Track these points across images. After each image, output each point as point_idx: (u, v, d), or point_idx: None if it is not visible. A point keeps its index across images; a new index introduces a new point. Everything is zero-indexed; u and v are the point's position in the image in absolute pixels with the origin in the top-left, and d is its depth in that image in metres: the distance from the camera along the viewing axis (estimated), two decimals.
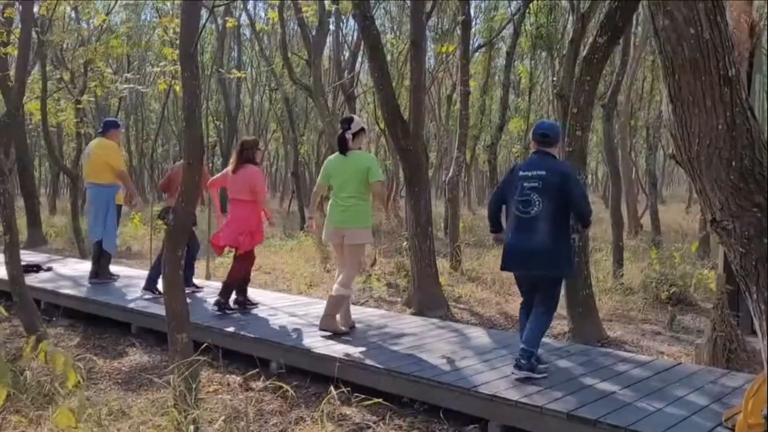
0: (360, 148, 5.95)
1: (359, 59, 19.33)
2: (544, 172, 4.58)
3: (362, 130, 5.94)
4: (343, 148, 5.87)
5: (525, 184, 4.61)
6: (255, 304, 6.79)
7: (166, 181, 7.58)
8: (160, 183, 7.82)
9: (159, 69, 10.65)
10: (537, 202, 4.55)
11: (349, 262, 5.83)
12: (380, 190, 5.92)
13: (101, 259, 7.97)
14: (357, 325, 5.99)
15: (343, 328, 5.75)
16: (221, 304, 6.39)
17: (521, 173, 4.69)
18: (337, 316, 5.72)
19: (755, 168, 2.55)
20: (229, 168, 6.64)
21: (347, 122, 5.93)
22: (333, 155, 6.08)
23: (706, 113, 2.56)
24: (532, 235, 4.56)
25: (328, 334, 5.61)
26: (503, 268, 4.80)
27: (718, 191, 2.58)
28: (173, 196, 7.28)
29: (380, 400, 4.24)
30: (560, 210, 4.56)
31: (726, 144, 2.55)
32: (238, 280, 6.58)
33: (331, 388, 4.12)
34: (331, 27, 16.54)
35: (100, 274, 7.95)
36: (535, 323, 4.59)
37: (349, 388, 4.43)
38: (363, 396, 4.30)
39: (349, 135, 5.84)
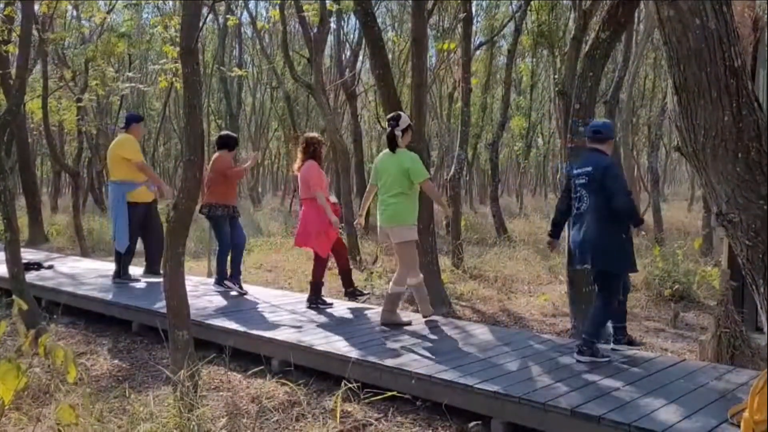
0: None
1: (360, 58, 19.30)
2: (590, 168, 4.76)
3: (410, 126, 5.89)
4: (393, 145, 5.81)
5: (577, 182, 4.86)
6: (330, 304, 6.75)
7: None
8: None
9: (160, 67, 10.62)
10: (585, 198, 4.78)
11: (400, 260, 5.91)
12: (429, 188, 5.85)
13: (121, 259, 7.82)
14: (358, 322, 5.98)
15: (405, 320, 5.94)
16: (312, 301, 6.63)
17: (574, 171, 4.92)
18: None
19: (762, 160, 2.52)
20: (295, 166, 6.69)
21: (395, 120, 5.85)
22: (381, 153, 6.01)
23: (711, 104, 2.53)
24: (582, 230, 4.78)
25: (332, 330, 5.63)
26: (569, 265, 5.25)
27: (724, 183, 2.55)
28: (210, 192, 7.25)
29: (384, 395, 4.22)
30: (606, 204, 4.67)
31: (732, 135, 2.52)
32: (321, 278, 6.69)
33: (343, 383, 4.10)
34: (333, 25, 16.51)
35: (122, 273, 7.83)
36: (592, 314, 4.84)
37: (356, 385, 4.39)
38: (366, 392, 4.27)
39: (398, 132, 5.78)
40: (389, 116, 6.03)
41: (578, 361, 4.71)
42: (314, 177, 6.43)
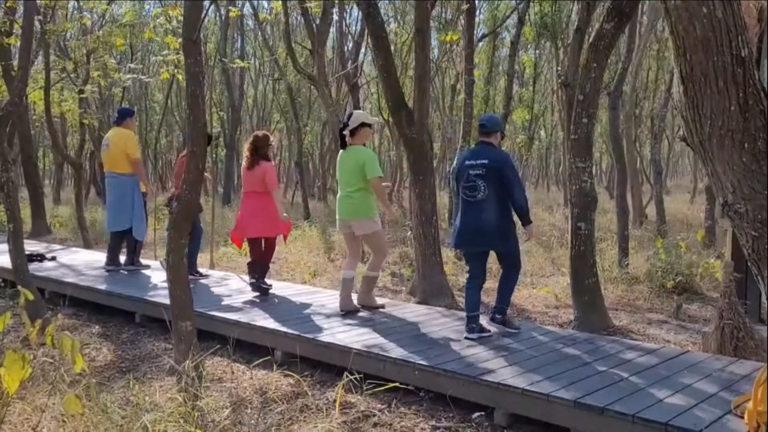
0: (365, 143, 6.17)
1: (363, 49, 19.24)
2: (487, 161, 5.16)
3: (362, 125, 6.06)
4: (342, 144, 6.15)
5: (471, 172, 5.20)
6: (270, 286, 7.06)
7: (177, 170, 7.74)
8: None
9: (162, 58, 10.60)
10: (482, 188, 5.16)
11: (372, 249, 6.25)
12: (378, 186, 5.97)
13: (136, 247, 8.20)
14: (361, 314, 6.00)
15: (379, 302, 6.34)
16: (258, 284, 6.88)
17: (467, 162, 5.27)
18: (354, 297, 6.23)
19: None
20: (244, 164, 6.91)
21: (347, 118, 6.16)
22: (341, 150, 6.27)
23: (718, 94, 2.51)
24: (479, 216, 5.18)
25: (336, 321, 5.66)
26: (454, 246, 5.54)
27: (730, 173, 2.54)
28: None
29: (387, 386, 4.22)
30: (502, 194, 5.16)
31: (738, 125, 2.50)
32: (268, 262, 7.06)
33: (345, 374, 4.10)
34: (335, 17, 16.46)
35: (135, 261, 8.21)
36: (508, 285, 5.45)
37: (358, 376, 4.39)
38: (369, 383, 4.27)
39: (346, 132, 6.08)
40: (346, 114, 6.40)
41: (491, 320, 5.46)
42: (272, 178, 6.75)
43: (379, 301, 6.44)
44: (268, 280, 7.23)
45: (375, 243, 6.13)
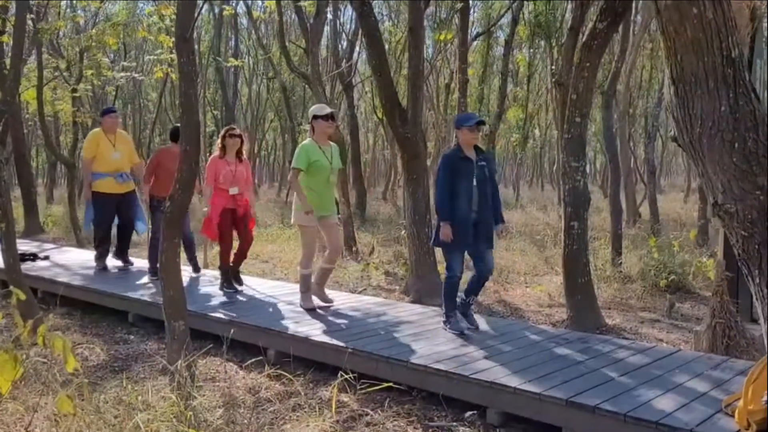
0: (328, 137, 6.21)
1: (357, 48, 19.24)
2: None
3: (314, 117, 6.17)
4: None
5: None
6: (235, 289, 6.97)
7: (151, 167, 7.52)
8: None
9: (155, 57, 10.59)
10: None
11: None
12: (290, 176, 6.14)
13: (97, 242, 8.25)
14: (355, 313, 6.00)
15: (313, 304, 6.15)
16: (222, 285, 6.97)
17: None
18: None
19: (759, 150, 2.52)
20: None
21: None
22: None
23: (708, 94, 2.52)
24: None
25: (329, 321, 5.67)
26: None
27: (721, 174, 2.55)
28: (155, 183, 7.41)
29: (380, 386, 4.22)
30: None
31: (729, 126, 2.51)
32: (227, 262, 6.96)
33: (340, 374, 4.10)
34: (329, 16, 16.44)
35: (96, 258, 8.22)
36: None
37: (352, 375, 4.39)
38: (363, 383, 4.28)
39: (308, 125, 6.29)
40: None
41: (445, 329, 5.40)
42: (208, 171, 6.71)
43: (315, 302, 6.22)
44: (241, 283, 7.14)
45: (301, 237, 6.22)
